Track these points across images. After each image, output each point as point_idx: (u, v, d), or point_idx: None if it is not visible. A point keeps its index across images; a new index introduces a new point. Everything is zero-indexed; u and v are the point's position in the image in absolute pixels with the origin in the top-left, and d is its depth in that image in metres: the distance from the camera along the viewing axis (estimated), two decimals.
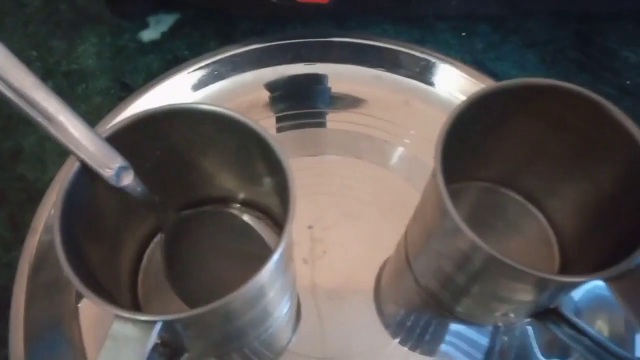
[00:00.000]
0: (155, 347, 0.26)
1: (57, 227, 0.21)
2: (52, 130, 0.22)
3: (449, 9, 0.36)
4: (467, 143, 0.29)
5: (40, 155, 0.35)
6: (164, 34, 0.39)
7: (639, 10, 0.38)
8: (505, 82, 0.26)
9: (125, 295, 0.28)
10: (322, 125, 0.36)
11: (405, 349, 0.30)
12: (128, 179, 0.24)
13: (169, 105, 0.24)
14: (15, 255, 0.31)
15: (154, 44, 0.38)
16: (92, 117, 0.36)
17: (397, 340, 0.30)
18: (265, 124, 0.36)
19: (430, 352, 0.30)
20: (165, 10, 0.39)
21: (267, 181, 0.27)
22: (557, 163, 0.28)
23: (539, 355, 0.30)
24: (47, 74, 0.37)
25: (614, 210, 0.26)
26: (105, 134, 0.24)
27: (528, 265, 0.21)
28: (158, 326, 0.21)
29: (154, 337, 0.21)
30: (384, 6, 0.36)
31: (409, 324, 0.31)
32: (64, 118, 0.22)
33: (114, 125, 0.24)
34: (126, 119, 0.24)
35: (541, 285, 0.23)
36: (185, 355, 0.27)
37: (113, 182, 0.24)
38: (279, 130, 0.36)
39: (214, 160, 0.27)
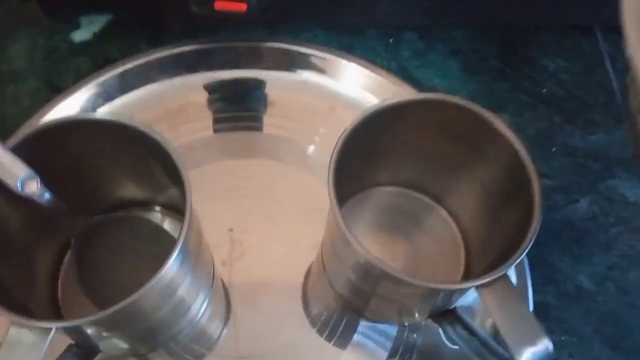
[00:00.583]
0: (68, 347, 0.27)
1: None
2: None
3: (375, 18, 0.37)
4: (374, 151, 0.30)
5: None
6: (95, 35, 0.39)
7: (556, 22, 0.40)
8: (399, 99, 0.27)
9: (43, 301, 0.29)
10: (250, 128, 0.37)
11: (321, 341, 0.31)
12: (33, 187, 0.25)
13: (71, 116, 0.25)
14: None
15: (85, 45, 0.39)
16: (20, 119, 0.36)
17: (312, 334, 0.32)
18: (196, 126, 0.37)
19: (343, 344, 0.32)
20: (97, 11, 0.40)
21: (173, 183, 0.28)
22: (456, 169, 0.30)
23: (445, 340, 0.31)
24: None
25: (501, 213, 0.28)
26: (10, 144, 0.24)
27: (406, 274, 0.23)
28: (52, 332, 0.22)
29: (47, 343, 0.22)
30: (307, 14, 0.37)
31: (323, 320, 0.32)
32: None
33: (19, 135, 0.25)
34: (30, 129, 0.25)
35: (422, 291, 0.24)
36: (99, 355, 0.28)
37: (18, 190, 0.24)
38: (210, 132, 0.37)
39: (125, 167, 0.28)
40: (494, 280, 0.22)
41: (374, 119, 0.26)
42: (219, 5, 0.30)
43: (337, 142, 0.26)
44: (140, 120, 0.25)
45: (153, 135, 0.25)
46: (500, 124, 0.25)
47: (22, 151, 0.25)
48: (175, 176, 0.25)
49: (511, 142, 0.25)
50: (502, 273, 0.22)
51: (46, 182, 0.26)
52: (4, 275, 0.25)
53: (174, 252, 0.23)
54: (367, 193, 0.34)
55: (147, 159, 0.27)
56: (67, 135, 0.26)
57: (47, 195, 0.26)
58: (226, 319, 0.32)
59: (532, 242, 0.22)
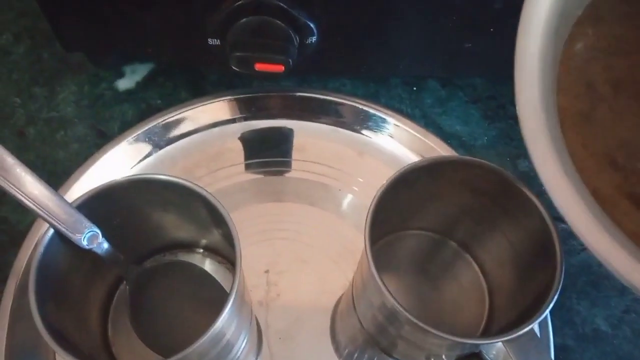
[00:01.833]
0: None
1: (32, 290, 0.25)
2: (27, 202, 0.25)
3: (397, 71, 0.39)
4: (406, 201, 0.32)
5: None
6: (138, 84, 0.42)
7: None
8: (430, 158, 0.29)
9: (95, 342, 0.31)
10: (283, 173, 0.39)
11: None
12: (96, 242, 0.27)
13: (129, 176, 0.28)
14: None
15: (129, 92, 0.42)
16: (70, 163, 0.39)
17: None
18: (232, 171, 0.39)
19: None
20: (140, 60, 0.42)
21: (220, 234, 0.31)
22: (480, 222, 0.32)
23: None
24: (29, 121, 0.40)
25: (524, 267, 0.30)
26: (75, 203, 0.27)
27: (435, 327, 0.25)
28: None
29: None
30: (336, 69, 0.40)
31: (353, 357, 0.34)
32: (39, 192, 0.25)
33: (84, 194, 0.27)
34: (94, 189, 0.27)
35: (448, 341, 0.26)
36: None
37: (83, 245, 0.27)
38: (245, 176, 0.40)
39: (174, 216, 0.31)
40: (522, 335, 0.24)
41: (408, 174, 0.29)
42: (259, 67, 0.33)
43: (374, 197, 0.28)
44: (189, 179, 0.28)
45: (200, 191, 0.27)
46: (527, 188, 0.27)
47: (85, 207, 0.27)
48: (219, 224, 0.28)
49: (538, 208, 0.27)
50: (527, 329, 0.24)
51: (104, 234, 0.28)
52: (65, 321, 0.28)
53: (229, 303, 0.25)
54: (396, 236, 0.36)
55: (194, 209, 0.30)
56: (123, 192, 0.28)
57: (106, 247, 0.28)
58: (258, 353, 0.34)
59: (550, 306, 0.24)
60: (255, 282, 0.35)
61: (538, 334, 0.32)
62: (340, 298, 0.36)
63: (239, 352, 0.33)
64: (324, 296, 0.35)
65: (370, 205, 0.28)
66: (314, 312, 0.35)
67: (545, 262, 0.27)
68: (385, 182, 0.28)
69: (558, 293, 0.25)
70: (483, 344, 0.26)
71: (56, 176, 0.38)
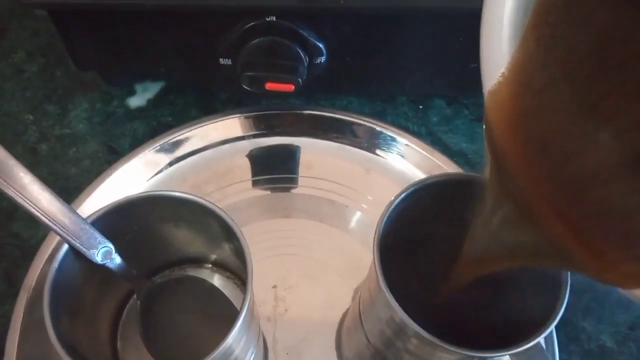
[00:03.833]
0: None
1: (47, 305, 0.25)
2: (44, 218, 0.26)
3: (404, 90, 0.40)
4: (413, 217, 0.33)
5: None
6: (149, 101, 0.43)
7: None
8: (438, 175, 0.30)
9: (106, 355, 0.32)
10: (290, 189, 0.40)
11: None
12: (110, 257, 0.28)
13: (144, 193, 0.28)
14: (9, 308, 0.34)
15: (140, 110, 0.42)
16: (81, 179, 0.39)
17: None
18: (241, 187, 0.40)
19: None
20: (151, 78, 0.43)
21: (230, 250, 0.31)
22: None
23: None
24: (41, 138, 0.41)
25: (530, 281, 0.30)
26: (90, 219, 0.27)
27: (445, 341, 0.25)
28: None
29: None
30: (344, 88, 0.41)
31: None
32: (55, 208, 0.26)
33: (99, 210, 0.28)
34: (108, 205, 0.28)
35: (457, 356, 0.26)
36: None
37: (97, 260, 0.27)
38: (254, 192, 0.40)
39: (185, 232, 0.31)
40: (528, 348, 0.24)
41: (416, 191, 0.29)
42: (269, 86, 0.34)
43: (383, 212, 0.28)
44: (202, 197, 0.28)
45: (212, 208, 0.28)
46: None
47: (99, 223, 0.28)
48: (230, 241, 0.28)
49: None
50: (535, 341, 0.25)
51: (116, 249, 0.29)
52: (77, 335, 0.28)
53: (240, 318, 0.26)
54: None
55: (205, 225, 0.30)
56: (137, 208, 0.29)
57: (118, 262, 0.29)
58: None
59: (557, 319, 0.25)
60: (263, 297, 0.36)
61: None
62: (345, 314, 0.36)
63: None
64: (331, 312, 0.35)
65: (380, 220, 0.28)
66: (322, 327, 0.35)
67: (551, 277, 0.27)
68: (393, 198, 0.29)
69: (564, 307, 0.25)
70: (491, 356, 0.27)
71: (68, 192, 0.39)
